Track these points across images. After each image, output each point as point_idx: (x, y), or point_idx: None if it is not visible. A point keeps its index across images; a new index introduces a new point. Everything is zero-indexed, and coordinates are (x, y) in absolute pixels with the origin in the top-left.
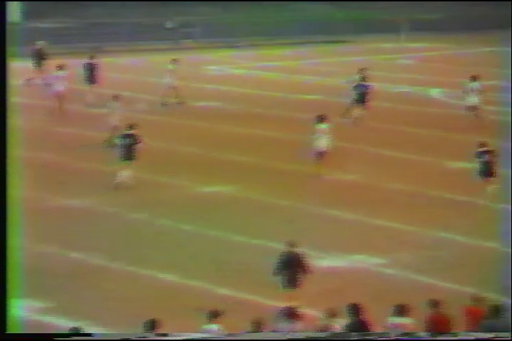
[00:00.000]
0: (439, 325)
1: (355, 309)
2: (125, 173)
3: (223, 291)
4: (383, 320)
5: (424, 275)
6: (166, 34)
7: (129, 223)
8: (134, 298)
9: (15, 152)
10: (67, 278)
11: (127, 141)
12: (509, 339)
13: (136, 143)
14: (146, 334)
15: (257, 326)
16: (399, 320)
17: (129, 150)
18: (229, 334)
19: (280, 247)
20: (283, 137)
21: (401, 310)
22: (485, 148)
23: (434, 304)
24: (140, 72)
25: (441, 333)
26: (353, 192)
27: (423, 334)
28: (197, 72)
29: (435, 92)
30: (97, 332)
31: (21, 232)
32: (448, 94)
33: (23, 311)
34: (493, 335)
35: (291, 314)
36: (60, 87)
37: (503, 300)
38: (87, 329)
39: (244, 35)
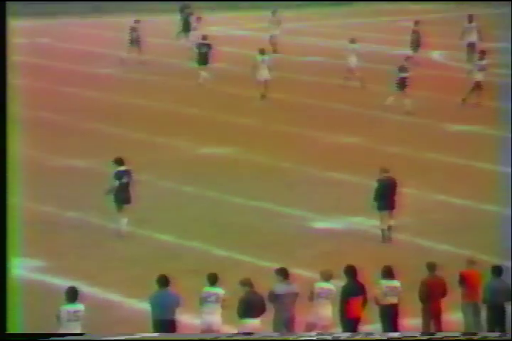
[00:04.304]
0: (434, 288)
1: (351, 271)
2: None
3: (221, 253)
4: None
5: (422, 238)
6: None
7: None
8: (133, 259)
9: (15, 110)
10: (67, 237)
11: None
12: (509, 339)
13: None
14: (145, 334)
15: (245, 284)
16: (387, 283)
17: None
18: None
19: (278, 209)
20: (285, 99)
21: (389, 273)
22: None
23: (432, 267)
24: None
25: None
26: (352, 155)
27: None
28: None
29: (436, 54)
30: (94, 291)
31: (21, 191)
32: (449, 56)
33: (22, 270)
34: (494, 336)
35: (285, 274)
36: None
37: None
38: (85, 289)
39: None
